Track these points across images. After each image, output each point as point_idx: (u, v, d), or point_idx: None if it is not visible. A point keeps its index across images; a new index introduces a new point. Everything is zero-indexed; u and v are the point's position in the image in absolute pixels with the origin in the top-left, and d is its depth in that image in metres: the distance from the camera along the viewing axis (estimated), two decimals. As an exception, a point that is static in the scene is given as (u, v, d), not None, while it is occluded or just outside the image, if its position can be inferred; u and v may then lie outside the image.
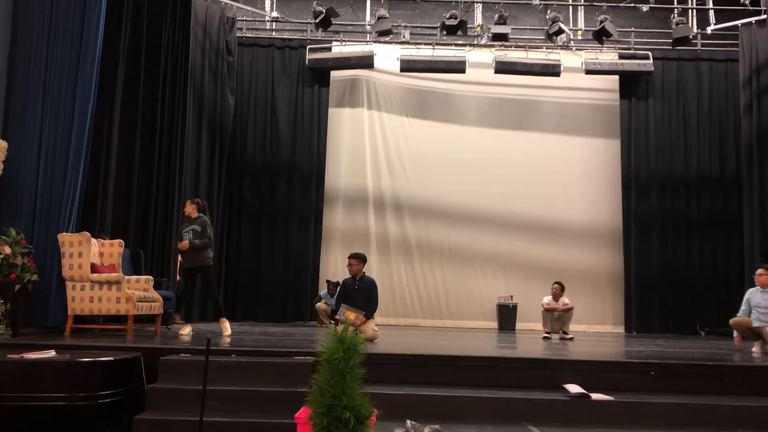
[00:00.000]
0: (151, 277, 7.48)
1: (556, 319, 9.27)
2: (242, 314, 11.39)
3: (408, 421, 4.30)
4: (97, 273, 6.89)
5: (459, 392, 5.10)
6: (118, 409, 4.71)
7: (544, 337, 9.05)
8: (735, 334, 7.56)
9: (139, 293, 7.02)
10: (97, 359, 4.80)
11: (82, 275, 6.79)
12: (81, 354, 5.04)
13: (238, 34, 11.91)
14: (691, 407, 5.08)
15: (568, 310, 9.24)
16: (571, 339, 8.99)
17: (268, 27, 12.49)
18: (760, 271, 7.49)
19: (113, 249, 7.32)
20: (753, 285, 7.79)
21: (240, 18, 12.06)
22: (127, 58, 8.50)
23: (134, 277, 7.33)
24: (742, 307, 7.54)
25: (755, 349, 7.27)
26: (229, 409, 4.53)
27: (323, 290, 10.70)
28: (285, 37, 12.30)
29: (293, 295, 11.53)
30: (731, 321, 7.60)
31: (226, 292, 11.45)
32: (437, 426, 4.36)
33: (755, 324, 7.40)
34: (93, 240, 7.05)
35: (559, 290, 9.38)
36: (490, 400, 5.01)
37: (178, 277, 9.34)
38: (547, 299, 9.39)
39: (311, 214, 11.82)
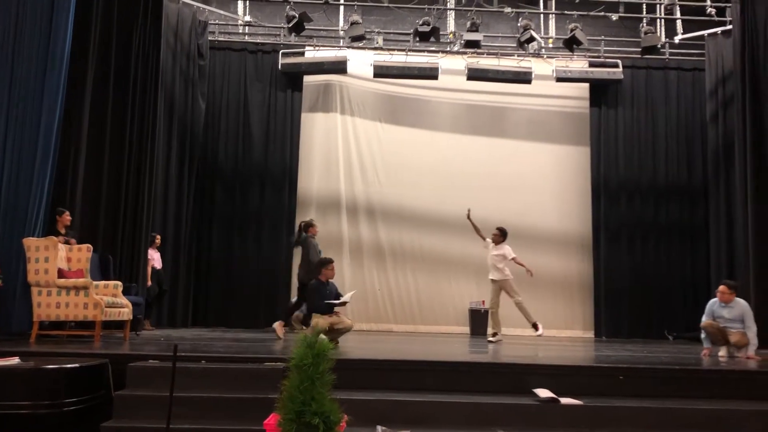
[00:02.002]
0: (119, 283, 7.37)
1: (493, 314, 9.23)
2: (213, 320, 11.29)
3: (378, 427, 4.30)
4: (64, 278, 6.76)
5: (430, 397, 5.10)
6: (84, 416, 4.63)
7: (489, 341, 9.07)
8: (704, 344, 7.61)
9: (108, 299, 6.90)
10: (63, 366, 4.70)
11: (49, 280, 6.66)
12: (46, 361, 4.93)
13: (210, 38, 11.84)
14: (659, 411, 5.15)
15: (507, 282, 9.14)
16: (500, 341, 8.98)
17: (240, 31, 12.44)
18: (722, 288, 7.57)
19: (81, 254, 7.20)
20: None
21: (212, 22, 11.98)
22: (96, 60, 8.39)
23: (102, 283, 7.21)
24: (704, 318, 7.66)
25: (722, 353, 7.40)
26: (198, 416, 4.47)
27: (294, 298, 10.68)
28: (258, 41, 12.26)
29: (265, 301, 11.45)
30: (702, 324, 7.69)
31: (196, 297, 11.34)
32: (407, 431, 4.37)
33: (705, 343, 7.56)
34: (60, 245, 6.93)
35: (499, 235, 9.26)
36: (461, 405, 5.02)
37: (149, 283, 9.24)
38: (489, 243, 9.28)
39: (283, 220, 11.77)
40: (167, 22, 10.11)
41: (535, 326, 9.15)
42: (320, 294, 7.42)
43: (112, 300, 6.97)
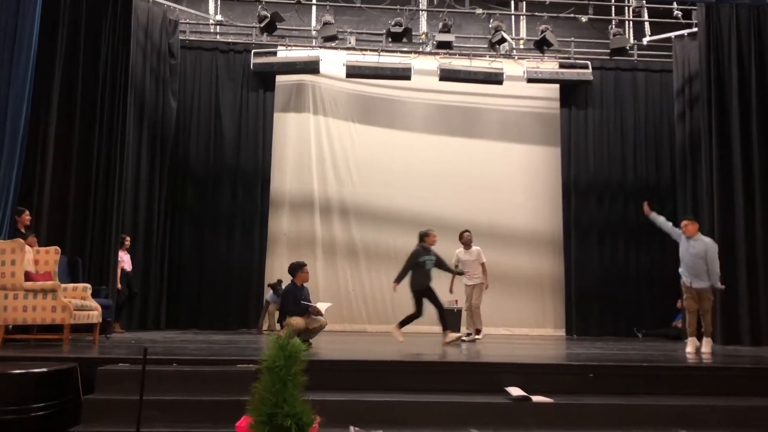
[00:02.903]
0: (88, 285, 7.28)
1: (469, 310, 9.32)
2: (186, 322, 11.19)
3: (351, 428, 4.31)
4: (32, 281, 6.65)
5: (403, 397, 5.12)
6: (52, 422, 4.56)
7: (463, 340, 9.17)
8: (689, 348, 7.66)
9: (76, 302, 6.81)
10: (30, 370, 4.63)
11: (15, 283, 6.54)
12: (13, 365, 4.85)
13: (181, 37, 11.73)
14: (629, 408, 5.22)
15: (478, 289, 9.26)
16: (473, 341, 9.08)
17: (212, 30, 12.34)
18: (684, 222, 7.73)
19: (49, 256, 7.08)
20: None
21: (183, 21, 11.87)
22: (64, 59, 8.28)
23: (71, 285, 7.12)
24: (680, 268, 7.78)
25: (689, 349, 7.53)
26: (169, 419, 4.43)
27: (268, 294, 10.65)
28: (229, 40, 12.17)
29: (237, 302, 11.39)
30: (686, 304, 7.77)
31: (168, 300, 11.22)
32: (380, 431, 4.38)
33: (682, 275, 7.64)
34: (27, 247, 6.81)
35: (469, 238, 9.33)
36: (434, 404, 5.04)
37: (119, 286, 9.13)
38: (460, 254, 9.33)
39: (256, 220, 11.71)
40: (137, 20, 10.00)
41: (477, 331, 9.25)
42: (294, 298, 7.41)
43: (80, 303, 6.88)
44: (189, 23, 12.08)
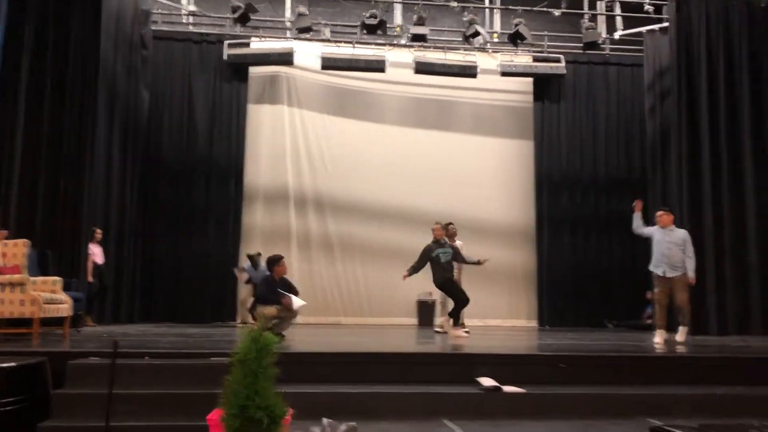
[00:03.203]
0: (58, 278, 7.17)
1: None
2: (159, 316, 11.11)
3: (324, 420, 4.31)
4: (0, 274, 6.54)
5: (376, 389, 5.15)
6: (21, 416, 4.50)
7: (437, 331, 9.24)
8: (657, 338, 7.77)
9: (46, 295, 6.70)
10: (-1, 365, 4.57)
11: (-17, 277, 6.43)
12: (-20, 360, 4.78)
13: (153, 28, 11.57)
14: (599, 397, 5.32)
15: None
16: (446, 332, 9.15)
17: (184, 21, 12.19)
18: (659, 213, 7.89)
19: (17, 249, 6.95)
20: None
21: (155, 11, 11.71)
22: (32, 49, 8.14)
23: (41, 278, 7.01)
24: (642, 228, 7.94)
25: (657, 340, 7.66)
26: (140, 413, 4.41)
27: (246, 264, 10.59)
28: (202, 31, 12.05)
29: (212, 295, 11.33)
30: (656, 297, 7.88)
31: (141, 293, 11.12)
32: (354, 423, 4.39)
33: (654, 269, 7.73)
34: (-5, 240, 6.70)
35: (454, 230, 9.21)
36: (407, 395, 5.08)
37: (90, 278, 9.02)
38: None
39: (230, 213, 11.65)
40: (108, 10, 9.82)
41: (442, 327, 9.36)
42: (270, 289, 7.41)
43: (50, 296, 6.78)
44: (161, 13, 11.93)
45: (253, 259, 10.51)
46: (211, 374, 4.79)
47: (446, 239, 8.62)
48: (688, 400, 5.29)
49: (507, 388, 5.20)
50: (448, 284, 8.49)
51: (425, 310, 11.53)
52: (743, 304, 9.53)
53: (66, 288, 7.29)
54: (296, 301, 7.48)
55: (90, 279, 9.03)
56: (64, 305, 6.98)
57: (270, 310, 7.16)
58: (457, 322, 8.48)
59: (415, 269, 8.51)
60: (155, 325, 10.22)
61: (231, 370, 3.09)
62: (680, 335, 7.62)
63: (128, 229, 10.79)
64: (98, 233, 9.60)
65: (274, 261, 7.62)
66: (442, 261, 8.42)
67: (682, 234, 7.77)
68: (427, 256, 8.46)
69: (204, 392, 4.52)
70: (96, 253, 9.48)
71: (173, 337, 7.46)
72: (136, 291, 11.00)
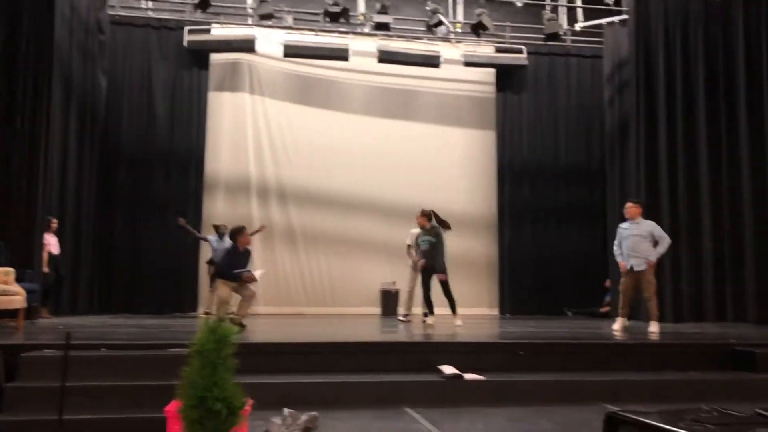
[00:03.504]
0: (11, 269, 6.98)
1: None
2: (117, 307, 10.91)
3: (285, 410, 4.30)
4: (-51, 265, 6.35)
5: (338, 378, 5.16)
6: (-28, 411, 4.38)
7: (401, 320, 9.29)
8: (616, 325, 7.88)
9: (-2, 286, 6.53)
10: (-52, 359, 4.44)
11: (-69, 268, 6.23)
12: (-71, 354, 4.64)
13: (110, 12, 11.31)
14: (557, 383, 5.42)
15: None
16: (408, 321, 9.22)
17: (143, 6, 11.92)
18: (627, 204, 7.98)
19: (-32, 239, 6.77)
20: (615, 268, 8.34)
21: (112, -5, 11.44)
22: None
23: (-7, 270, 6.81)
24: (615, 246, 8.00)
25: (616, 326, 7.80)
26: (96, 405, 4.34)
27: (211, 236, 10.47)
28: (162, 17, 11.79)
29: (172, 286, 11.17)
30: (621, 288, 7.98)
31: (99, 284, 10.92)
32: (315, 413, 4.39)
33: (620, 259, 7.84)
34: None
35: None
36: (368, 384, 5.10)
37: (45, 269, 8.81)
38: (415, 233, 9.27)
39: (190, 202, 11.47)
40: (62, -7, 9.57)
41: (406, 316, 9.43)
42: (232, 261, 7.45)
43: (3, 288, 6.61)
44: (119, -3, 11.65)
45: (219, 229, 10.40)
46: (170, 365, 4.72)
47: (432, 227, 8.56)
48: (644, 386, 5.43)
49: (468, 376, 5.26)
50: (423, 272, 8.61)
51: (389, 300, 11.57)
52: (698, 293, 9.78)
53: (19, 279, 7.10)
54: (257, 272, 7.56)
55: (45, 270, 8.82)
56: (17, 297, 6.80)
57: (226, 290, 7.23)
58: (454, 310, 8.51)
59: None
60: (113, 317, 10.05)
61: (189, 361, 3.05)
62: (652, 327, 7.66)
63: (85, 219, 10.57)
64: (54, 223, 9.39)
65: (238, 231, 7.68)
66: (421, 248, 8.60)
67: (647, 226, 7.76)
68: (415, 243, 8.77)
69: (162, 384, 4.46)
70: (51, 244, 9.27)
71: (131, 329, 7.34)
72: (94, 282, 10.80)
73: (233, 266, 7.41)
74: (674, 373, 5.73)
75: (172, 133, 11.55)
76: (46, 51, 8.54)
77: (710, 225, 9.84)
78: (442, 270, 8.39)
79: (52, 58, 8.67)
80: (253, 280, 7.46)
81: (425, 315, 8.80)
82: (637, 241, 7.70)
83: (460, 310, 8.52)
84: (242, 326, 7.53)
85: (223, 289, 7.40)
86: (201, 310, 10.86)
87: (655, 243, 7.70)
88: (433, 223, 8.56)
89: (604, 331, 7.77)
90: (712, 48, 10.16)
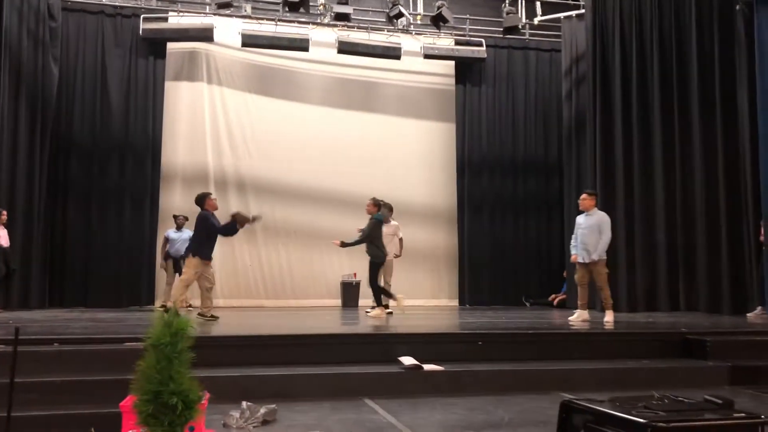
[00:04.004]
0: (-41, 263, 6.77)
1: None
2: (71, 301, 10.68)
3: (244, 403, 4.27)
4: None
5: (297, 370, 5.14)
6: None
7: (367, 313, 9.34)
8: (573, 316, 7.94)
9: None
10: None
11: None
12: None
13: (62, -1, 11.00)
14: (514, 373, 5.50)
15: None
16: (390, 313, 9.24)
17: (97, -8, 11.61)
18: (582, 196, 8.06)
19: None
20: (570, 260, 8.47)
21: (64, -19, 11.12)
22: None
23: (-62, 263, 6.59)
24: (572, 238, 8.11)
25: (573, 318, 7.93)
26: (49, 401, 4.23)
27: (169, 231, 10.44)
28: (116, 4, 11.50)
29: (128, 279, 10.96)
30: (576, 278, 8.08)
31: (51, 277, 10.66)
32: (274, 405, 4.37)
33: (574, 252, 7.96)
34: None
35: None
36: (328, 376, 5.10)
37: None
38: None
39: (146, 194, 11.25)
40: (10, -23, 9.27)
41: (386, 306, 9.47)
42: (210, 228, 7.50)
43: (-50, 282, 6.40)
44: (71, -17, 11.33)
45: (178, 219, 10.35)
46: (126, 360, 4.63)
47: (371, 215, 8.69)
48: (599, 374, 5.55)
49: (427, 367, 5.29)
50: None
51: (349, 291, 11.55)
52: (651, 283, 10.02)
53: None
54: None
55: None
56: (-35, 291, 6.60)
57: (191, 272, 7.33)
58: (380, 302, 8.57)
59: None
60: (67, 311, 9.83)
61: (144, 355, 2.99)
62: (606, 317, 7.78)
63: (37, 211, 10.30)
64: (3, 215, 9.14)
65: (204, 196, 7.75)
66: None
67: (597, 218, 7.84)
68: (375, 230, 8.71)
69: (118, 378, 4.37)
70: (1, 236, 9.02)
71: (85, 323, 7.20)
72: (46, 275, 10.54)
73: (212, 234, 7.31)
74: (628, 362, 5.86)
75: (127, 123, 11.30)
76: (-6, 37, 8.28)
77: (663, 217, 10.07)
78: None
79: (1, 45, 8.40)
80: (247, 220, 7.43)
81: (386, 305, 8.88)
82: (586, 233, 7.82)
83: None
84: (214, 318, 7.47)
85: (190, 271, 7.32)
86: (158, 303, 10.69)
87: None
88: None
89: (561, 321, 7.91)
90: (666, 43, 10.37)
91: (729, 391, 5.14)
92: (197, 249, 7.47)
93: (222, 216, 8.12)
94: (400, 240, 9.86)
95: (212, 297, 7.87)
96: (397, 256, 9.82)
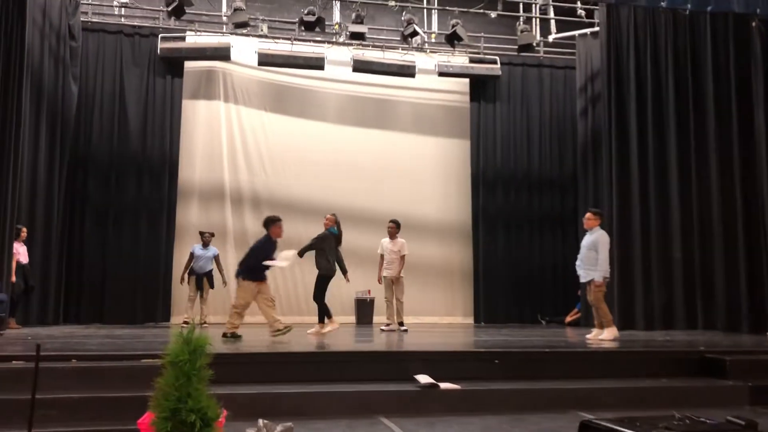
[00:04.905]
0: (-21, 280, 6.85)
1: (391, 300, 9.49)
2: (87, 317, 10.75)
3: (260, 420, 4.26)
4: None
5: (313, 388, 5.12)
6: (-63, 425, 4.28)
7: (383, 330, 9.31)
8: (591, 334, 7.92)
9: (-35, 297, 6.39)
10: None
11: None
12: None
13: (82, 18, 11.19)
14: (531, 392, 5.45)
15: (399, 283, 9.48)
16: (405, 331, 9.26)
17: (116, 12, 11.80)
18: (587, 215, 8.05)
19: (-66, 249, 6.62)
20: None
21: (85, 2, 11.32)
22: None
23: (-41, 280, 6.67)
24: (578, 261, 8.09)
25: (591, 335, 7.87)
26: (67, 418, 4.26)
27: (195, 247, 10.46)
28: (135, 24, 11.69)
29: (144, 295, 11.03)
30: (588, 298, 8.04)
31: (69, 293, 10.74)
32: (290, 423, 4.36)
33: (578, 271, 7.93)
34: None
35: (395, 228, 9.54)
36: (344, 394, 5.08)
37: (13, 279, 8.65)
38: (385, 243, 9.56)
39: (163, 210, 11.35)
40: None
41: (401, 323, 9.47)
42: (263, 254, 7.36)
43: (-30, 298, 6.47)
44: (91, 4, 11.53)
45: (204, 237, 10.38)
46: (143, 377, 4.65)
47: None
48: (617, 393, 5.48)
49: (443, 385, 5.26)
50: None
51: (363, 308, 11.54)
52: (668, 300, 9.92)
53: (-13, 289, 6.98)
54: (287, 252, 7.62)
55: (13, 279, 8.66)
56: (-16, 307, 6.67)
57: (248, 295, 7.26)
58: (322, 319, 8.56)
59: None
60: (84, 327, 9.89)
61: (163, 372, 3.01)
62: (593, 334, 7.76)
63: (55, 228, 10.41)
64: (23, 232, 9.24)
65: (272, 221, 7.57)
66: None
67: (594, 237, 7.81)
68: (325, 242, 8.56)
69: (135, 395, 4.39)
70: (20, 253, 9.11)
71: (102, 339, 7.23)
72: (63, 292, 10.62)
73: (263, 259, 7.25)
74: (646, 380, 5.80)
75: (144, 141, 11.43)
76: (16, 57, 8.42)
77: (680, 234, 9.99)
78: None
79: (23, 64, 8.56)
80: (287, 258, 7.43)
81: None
82: (584, 252, 7.84)
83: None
84: (237, 336, 7.41)
85: (247, 293, 7.24)
86: (179, 318, 10.72)
87: None
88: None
89: (578, 340, 7.84)
90: (682, 60, 10.35)
91: (750, 411, 5.06)
92: (251, 271, 7.34)
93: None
94: (402, 257, 9.64)
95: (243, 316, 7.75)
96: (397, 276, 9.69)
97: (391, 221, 9.73)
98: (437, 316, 11.98)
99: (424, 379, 5.33)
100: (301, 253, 8.54)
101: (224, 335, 7.36)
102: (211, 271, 10.47)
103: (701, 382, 5.87)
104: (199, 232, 10.66)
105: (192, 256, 10.45)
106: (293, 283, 11.96)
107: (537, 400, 5.33)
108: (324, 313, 8.52)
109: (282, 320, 7.52)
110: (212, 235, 10.56)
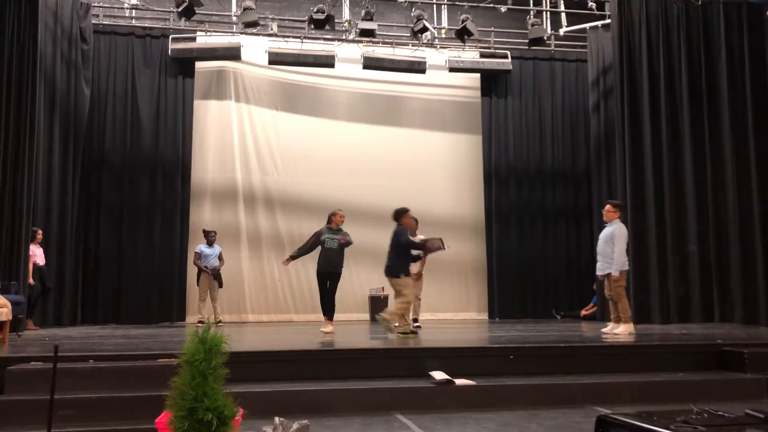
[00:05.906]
0: (-4, 282, 6.92)
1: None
2: (104, 317, 10.85)
3: (276, 418, 4.27)
4: (-67, 278, 6.28)
5: (328, 386, 5.14)
6: (-42, 426, 4.33)
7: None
8: (607, 328, 7.84)
9: (-17, 299, 6.46)
10: (-67, 373, 4.38)
11: None
12: None
13: (93, 21, 11.27)
14: (546, 387, 5.42)
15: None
16: (419, 327, 9.22)
17: (127, 14, 11.87)
18: (607, 207, 7.93)
19: (-48, 252, 6.70)
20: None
21: (96, 4, 11.39)
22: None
23: (-23, 282, 6.74)
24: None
25: (606, 329, 7.82)
26: (85, 417, 4.29)
27: (200, 247, 10.42)
28: (146, 25, 11.76)
29: (159, 295, 11.11)
30: (605, 293, 7.98)
31: (85, 294, 10.83)
32: (306, 421, 4.37)
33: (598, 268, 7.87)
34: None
35: (415, 225, 9.39)
36: (359, 391, 5.09)
37: (30, 280, 8.73)
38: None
39: (176, 210, 11.42)
40: (45, 3, 9.51)
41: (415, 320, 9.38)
42: (407, 245, 7.32)
43: (-12, 300, 6.54)
44: (102, 6, 11.60)
45: (209, 236, 10.36)
46: (159, 376, 4.70)
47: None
48: (633, 387, 5.44)
49: (459, 381, 5.26)
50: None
51: (377, 305, 11.53)
52: (684, 294, 9.84)
53: (5, 291, 7.06)
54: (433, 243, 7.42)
55: (30, 281, 8.75)
56: (2, 309, 6.73)
57: (413, 288, 7.29)
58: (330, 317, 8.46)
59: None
60: (100, 327, 9.98)
61: (178, 372, 3.03)
62: (609, 328, 7.72)
63: (70, 229, 10.50)
64: (39, 234, 9.33)
65: (402, 212, 7.53)
66: (326, 246, 8.42)
67: (611, 230, 7.71)
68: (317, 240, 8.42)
69: (152, 395, 4.43)
70: (37, 255, 9.20)
71: (119, 339, 7.29)
72: (79, 292, 10.71)
73: (409, 251, 7.22)
74: (663, 374, 5.75)
75: (157, 142, 11.50)
76: (29, 62, 8.49)
77: (696, 226, 9.91)
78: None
79: (36, 68, 8.63)
80: (436, 248, 7.27)
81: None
82: (601, 244, 7.78)
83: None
84: (413, 333, 7.43)
85: (410, 287, 7.29)
86: (194, 318, 10.79)
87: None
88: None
89: (593, 334, 7.80)
90: (695, 51, 10.24)
91: (768, 404, 5.02)
92: (401, 267, 7.35)
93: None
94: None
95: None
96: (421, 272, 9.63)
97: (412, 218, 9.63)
98: (451, 312, 11.97)
99: (439, 375, 5.32)
100: (297, 255, 8.65)
101: (404, 333, 7.35)
102: (217, 268, 10.47)
103: (719, 376, 5.82)
104: (203, 230, 10.62)
105: (199, 255, 10.43)
106: (307, 282, 11.98)
107: (553, 395, 5.30)
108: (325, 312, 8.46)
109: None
110: (215, 233, 10.51)
